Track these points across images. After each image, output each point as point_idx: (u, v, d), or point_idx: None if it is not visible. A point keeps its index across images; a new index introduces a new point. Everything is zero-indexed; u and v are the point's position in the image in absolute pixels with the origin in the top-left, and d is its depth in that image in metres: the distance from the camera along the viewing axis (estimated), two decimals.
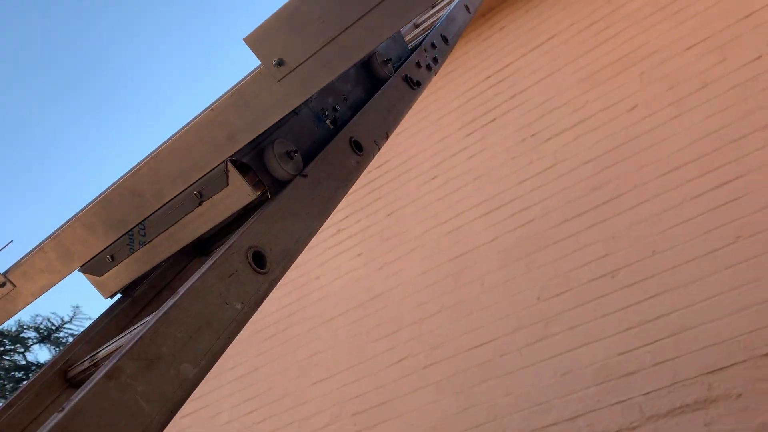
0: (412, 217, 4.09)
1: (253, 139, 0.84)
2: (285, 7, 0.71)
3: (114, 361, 0.55)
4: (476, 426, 3.17)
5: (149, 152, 0.89)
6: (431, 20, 1.65)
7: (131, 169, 0.91)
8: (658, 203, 3.10)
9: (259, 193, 0.87)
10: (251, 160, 0.91)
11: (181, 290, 0.65)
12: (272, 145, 0.91)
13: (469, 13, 1.61)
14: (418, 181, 4.21)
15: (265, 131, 0.83)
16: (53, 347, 10.78)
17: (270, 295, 1.01)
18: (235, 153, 0.83)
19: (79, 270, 1.07)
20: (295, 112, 0.93)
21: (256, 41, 0.71)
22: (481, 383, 3.26)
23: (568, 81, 3.82)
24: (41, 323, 10.82)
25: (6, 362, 10.60)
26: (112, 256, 1.04)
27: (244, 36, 0.72)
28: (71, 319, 10.91)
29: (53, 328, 10.89)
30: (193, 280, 0.66)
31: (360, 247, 4.33)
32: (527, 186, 3.65)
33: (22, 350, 10.73)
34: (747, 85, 3.07)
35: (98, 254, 1.03)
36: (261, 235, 0.77)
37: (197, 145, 0.82)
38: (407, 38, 1.57)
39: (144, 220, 0.97)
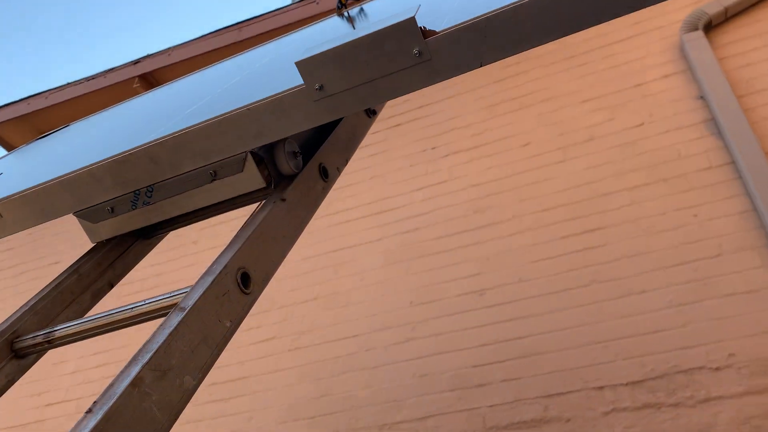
0: None
1: None
2: (339, 47, 0.84)
3: (137, 371, 0.60)
4: (330, 413, 3.32)
5: (177, 128, 0.96)
6: None
7: (155, 139, 0.97)
8: (530, 236, 3.41)
9: (265, 183, 1.00)
10: (265, 154, 1.03)
11: (189, 304, 0.70)
12: (284, 144, 1.03)
13: None
14: None
15: None
16: None
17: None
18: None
19: (74, 213, 1.10)
20: None
21: (305, 66, 0.85)
22: (342, 374, 3.42)
23: (472, 106, 4.06)
24: None
25: None
26: (112, 208, 1.11)
27: (296, 60, 0.86)
28: None
29: None
30: (196, 297, 0.72)
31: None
32: (418, 195, 3.85)
33: None
34: (626, 147, 3.45)
35: (99, 204, 1.08)
36: (248, 257, 0.83)
37: (227, 133, 0.94)
38: None
39: (154, 184, 1.04)
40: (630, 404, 2.74)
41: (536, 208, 3.49)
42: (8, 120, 5.81)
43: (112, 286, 1.13)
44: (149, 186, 1.07)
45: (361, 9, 2.10)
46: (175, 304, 0.81)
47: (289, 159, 1.05)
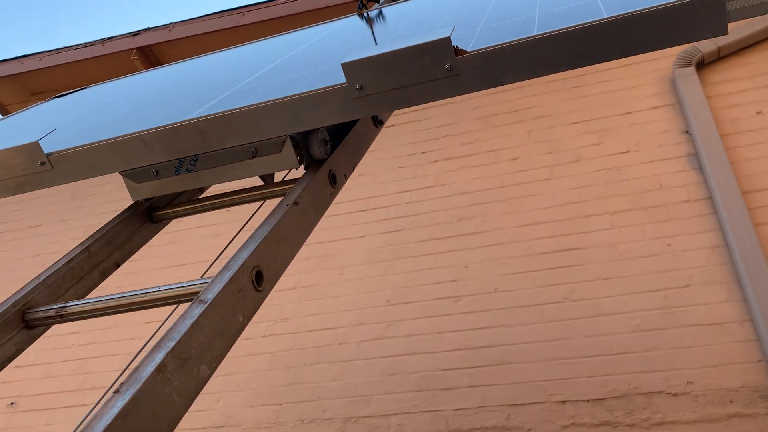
0: None
1: None
2: (382, 55, 0.98)
3: (161, 357, 0.66)
4: (298, 402, 3.39)
5: (226, 108, 1.08)
6: None
7: (205, 115, 1.08)
8: (510, 249, 3.50)
9: (299, 164, 1.14)
10: (301, 138, 1.17)
11: (209, 297, 0.76)
12: (317, 132, 1.17)
13: None
14: None
15: None
16: None
17: None
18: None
19: (120, 173, 1.20)
20: None
21: (350, 68, 0.98)
22: (313, 364, 3.48)
23: (467, 115, 4.14)
24: None
25: None
26: (156, 171, 1.22)
27: (342, 62, 1.00)
28: None
29: None
30: (216, 291, 0.78)
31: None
32: (405, 197, 3.92)
33: None
34: (611, 172, 3.56)
35: (146, 166, 1.19)
36: (262, 256, 0.89)
37: (272, 118, 1.06)
38: None
39: (199, 154, 1.16)
40: (589, 420, 2.84)
41: (519, 222, 3.58)
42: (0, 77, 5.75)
43: (118, 265, 1.18)
44: (194, 156, 1.18)
45: (380, 12, 2.21)
46: (192, 294, 0.87)
47: (320, 145, 1.19)
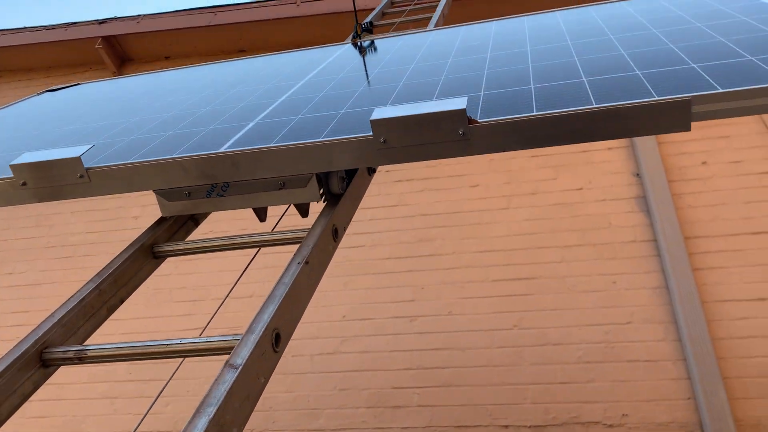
0: None
1: None
2: (407, 117, 1.15)
3: (204, 425, 0.73)
4: None
5: (258, 144, 1.24)
6: None
7: (242, 149, 1.23)
8: (466, 273, 3.63)
9: (320, 198, 1.29)
10: (323, 176, 1.32)
11: (239, 363, 0.83)
12: (337, 171, 1.31)
13: None
14: None
15: None
16: None
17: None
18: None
19: (154, 190, 1.30)
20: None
21: (377, 124, 1.16)
22: None
23: None
24: None
25: None
26: (189, 193, 1.32)
27: (371, 118, 1.16)
28: None
29: None
30: (245, 356, 0.85)
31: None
32: (368, 214, 4.01)
33: None
34: (564, 207, 3.74)
35: (180, 187, 1.31)
36: (280, 318, 0.96)
37: (303, 158, 1.20)
38: None
39: (231, 181, 1.27)
40: None
41: (476, 247, 3.73)
42: None
43: (122, 301, 1.23)
44: (226, 182, 1.30)
45: (372, 42, 2.32)
46: (217, 349, 0.93)
47: (339, 181, 1.35)
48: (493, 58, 1.75)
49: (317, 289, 3.76)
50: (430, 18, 3.20)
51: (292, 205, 1.59)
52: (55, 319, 1.05)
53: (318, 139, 1.20)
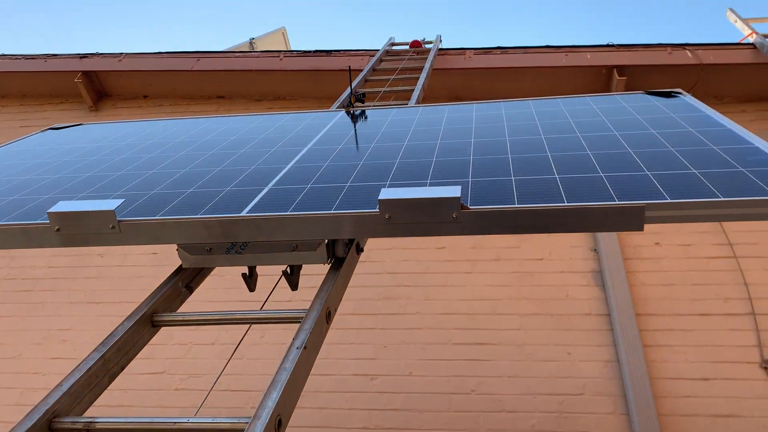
0: None
1: None
2: (410, 199, 1.35)
3: None
4: None
5: (280, 213, 1.40)
6: None
7: (263, 215, 1.39)
8: (429, 334, 3.73)
9: (327, 261, 1.46)
10: (330, 241, 1.47)
11: None
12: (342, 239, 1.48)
13: None
14: None
15: None
16: None
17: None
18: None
19: (177, 244, 1.44)
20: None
21: (384, 204, 1.35)
22: None
23: None
24: None
25: None
26: (210, 249, 1.47)
27: (379, 198, 1.36)
28: None
29: None
30: None
31: (159, 259, 4.36)
32: None
33: None
34: (525, 275, 3.90)
35: (202, 243, 1.45)
36: (282, 404, 1.04)
37: (317, 226, 1.38)
38: None
39: (249, 241, 1.43)
40: None
41: (439, 309, 3.84)
42: None
43: (123, 369, 1.28)
44: (245, 242, 1.45)
45: (363, 111, 2.53)
46: None
47: (344, 247, 1.53)
48: (477, 144, 1.93)
49: (277, 340, 3.80)
50: (412, 90, 3.38)
51: (283, 278, 1.69)
52: (64, 389, 1.11)
53: (329, 210, 1.39)
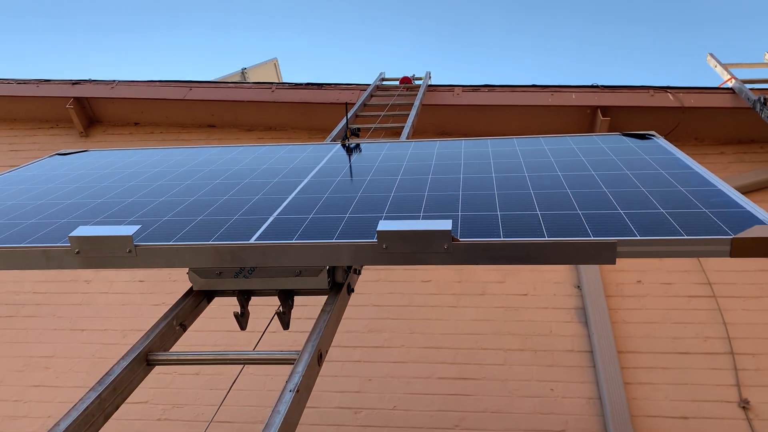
0: None
1: None
2: (406, 231, 1.46)
3: None
4: None
5: (285, 241, 1.50)
6: None
7: (269, 242, 1.49)
8: (413, 368, 3.76)
9: (328, 286, 1.58)
10: (331, 268, 1.60)
11: None
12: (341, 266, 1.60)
13: None
14: None
15: None
16: None
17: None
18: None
19: (189, 268, 1.54)
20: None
21: (382, 234, 1.46)
22: None
23: None
24: None
25: None
26: (220, 273, 1.59)
27: (378, 229, 1.48)
28: None
29: None
30: None
31: (146, 281, 4.37)
32: (321, 300, 4.11)
33: None
34: (509, 311, 3.95)
35: (212, 268, 1.56)
36: None
37: (321, 254, 1.48)
38: None
39: (257, 266, 1.53)
40: None
41: (424, 343, 3.87)
42: None
43: (117, 407, 1.31)
44: (252, 267, 1.56)
45: (357, 145, 2.65)
46: None
47: (343, 274, 1.65)
48: (466, 180, 2.05)
49: (263, 372, 3.80)
50: (402, 126, 3.46)
51: (275, 319, 1.76)
52: (61, 429, 1.14)
53: (331, 240, 1.50)
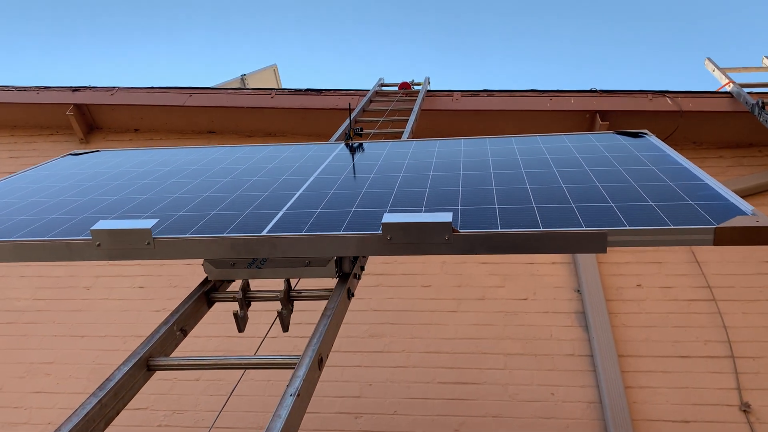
0: None
1: None
2: (409, 223, 1.53)
3: None
4: None
5: (297, 232, 1.58)
6: None
7: (280, 234, 1.57)
8: (413, 373, 3.75)
9: (336, 276, 1.66)
10: (338, 259, 1.67)
11: None
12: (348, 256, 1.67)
13: None
14: None
15: None
16: None
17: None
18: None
19: (205, 259, 1.62)
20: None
21: (386, 227, 1.53)
22: None
23: None
24: None
25: None
26: (233, 263, 1.67)
27: (382, 221, 1.54)
28: None
29: None
30: None
31: (142, 279, 4.37)
32: (321, 305, 4.11)
33: None
34: (509, 315, 3.95)
35: (227, 259, 1.64)
36: None
37: (329, 244, 1.55)
38: None
39: (269, 257, 1.62)
40: None
41: (422, 348, 3.87)
42: None
43: (118, 413, 1.31)
44: (264, 258, 1.64)
45: (360, 144, 2.68)
46: None
47: (350, 264, 1.72)
48: (465, 176, 2.11)
49: (264, 377, 3.80)
50: (401, 132, 3.47)
51: (275, 324, 1.78)
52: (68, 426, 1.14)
53: (339, 231, 1.57)
